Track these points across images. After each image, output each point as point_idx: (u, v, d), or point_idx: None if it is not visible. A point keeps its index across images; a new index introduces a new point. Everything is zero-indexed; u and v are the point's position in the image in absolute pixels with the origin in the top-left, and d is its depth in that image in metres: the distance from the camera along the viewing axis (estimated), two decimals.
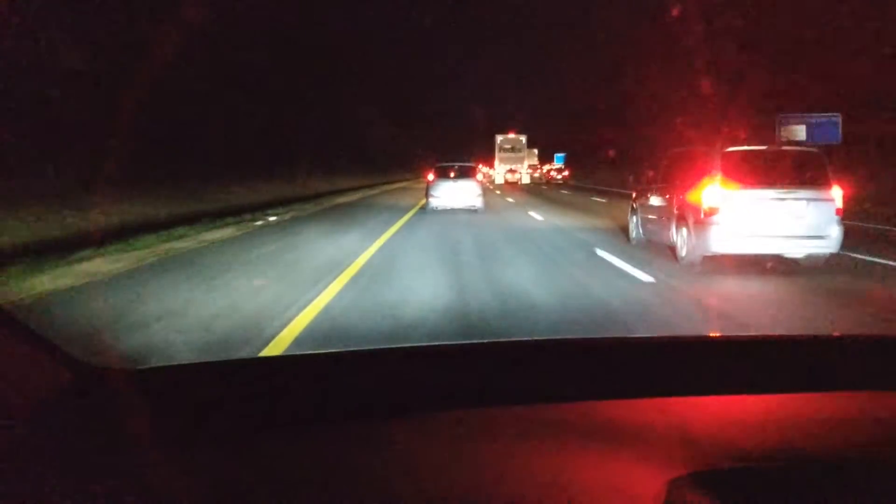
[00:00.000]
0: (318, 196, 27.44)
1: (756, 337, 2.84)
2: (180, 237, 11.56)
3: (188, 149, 23.90)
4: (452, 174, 19.17)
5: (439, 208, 18.37)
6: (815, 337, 2.68)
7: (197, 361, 1.65)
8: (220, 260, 9.26)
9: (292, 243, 11.43)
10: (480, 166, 27.96)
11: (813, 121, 25.93)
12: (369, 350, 1.67)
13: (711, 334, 4.04)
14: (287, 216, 17.72)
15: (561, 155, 72.87)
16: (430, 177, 19.46)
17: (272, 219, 16.56)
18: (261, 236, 12.66)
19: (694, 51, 34.78)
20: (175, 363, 2.04)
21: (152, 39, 19.53)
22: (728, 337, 2.60)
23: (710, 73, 33.00)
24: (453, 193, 18.55)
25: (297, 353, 3.96)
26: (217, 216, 15.33)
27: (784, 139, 24.37)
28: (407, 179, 60.33)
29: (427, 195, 18.84)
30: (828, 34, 27.10)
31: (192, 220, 13.85)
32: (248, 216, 16.48)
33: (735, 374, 1.46)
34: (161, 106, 20.15)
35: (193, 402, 1.29)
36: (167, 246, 10.43)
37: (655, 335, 3.92)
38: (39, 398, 1.13)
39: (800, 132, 25.61)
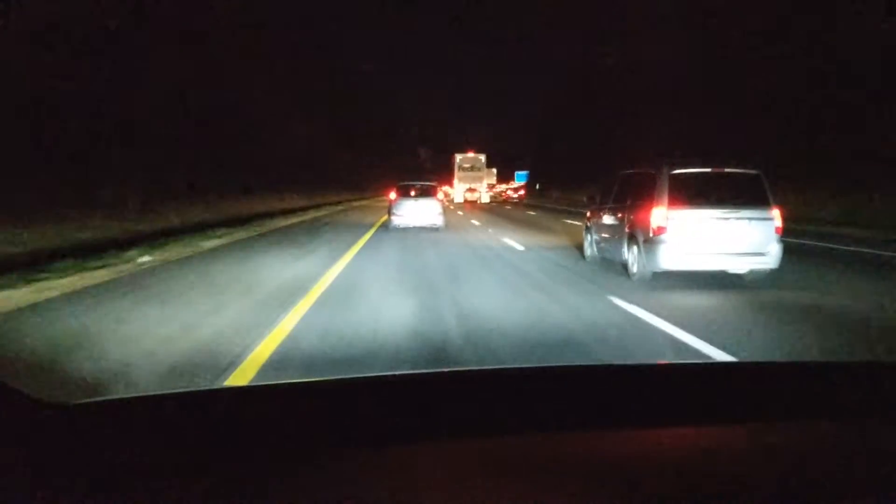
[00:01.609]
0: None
1: (717, 364, 2.88)
2: None
3: None
4: (414, 193, 19.75)
5: (401, 226, 18.89)
6: (772, 364, 2.72)
7: (130, 396, 1.60)
8: None
9: None
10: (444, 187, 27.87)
11: None
12: (331, 380, 1.64)
13: (670, 362, 4.12)
14: None
15: (523, 173, 72.92)
16: (393, 195, 19.99)
17: None
18: None
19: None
20: (111, 397, 1.94)
21: None
22: (690, 365, 2.59)
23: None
24: (415, 212, 19.10)
25: (260, 384, 3.79)
26: None
27: None
28: (366, 198, 60.35)
29: (389, 214, 19.41)
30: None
31: None
32: None
33: (702, 403, 1.47)
34: None
35: (125, 439, 1.25)
36: None
37: (617, 363, 4.05)
38: None
39: None
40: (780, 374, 1.76)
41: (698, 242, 8.55)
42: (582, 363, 4.16)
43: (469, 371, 1.84)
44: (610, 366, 2.72)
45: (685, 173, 8.90)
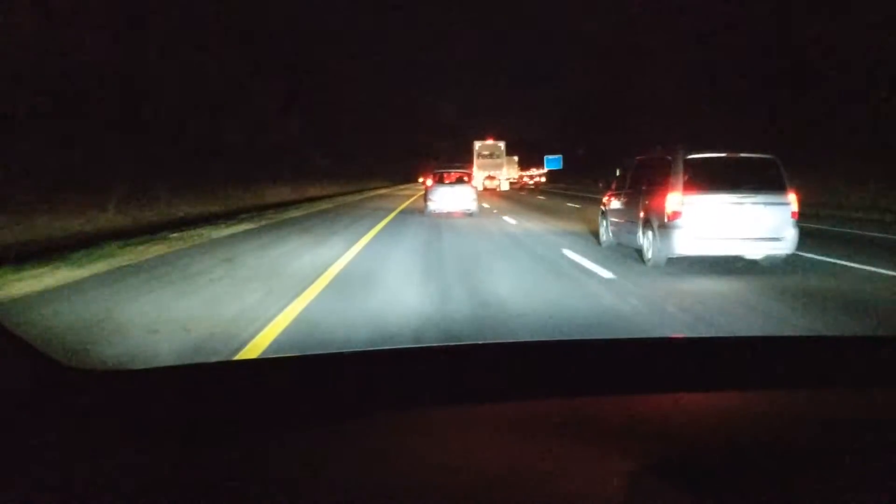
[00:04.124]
0: None
1: (713, 338, 3.00)
2: None
3: None
4: (449, 180, 20.53)
5: (436, 212, 19.54)
6: (772, 337, 2.81)
7: (179, 364, 1.63)
8: None
9: None
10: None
11: None
12: (347, 352, 1.77)
13: (670, 336, 4.22)
14: None
15: (554, 157, 69.96)
16: (429, 182, 20.81)
17: None
18: None
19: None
20: (158, 365, 2.03)
21: None
22: (686, 338, 2.70)
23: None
24: (450, 198, 19.73)
25: (279, 355, 3.98)
26: None
27: None
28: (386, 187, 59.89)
29: (426, 199, 20.09)
30: None
31: None
32: None
33: (695, 372, 1.53)
34: None
35: (175, 404, 1.29)
36: None
37: (620, 337, 4.21)
38: (8, 400, 1.13)
39: None
40: (786, 347, 1.81)
41: (713, 227, 8.52)
42: (600, 337, 4.30)
43: (488, 344, 1.91)
44: (626, 339, 2.83)
45: (700, 158, 8.87)
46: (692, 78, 38.37)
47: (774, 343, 2.00)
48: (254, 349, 4.74)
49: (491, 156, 52.40)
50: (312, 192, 36.99)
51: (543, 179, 62.78)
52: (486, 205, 24.59)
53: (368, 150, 65.08)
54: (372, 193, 43.54)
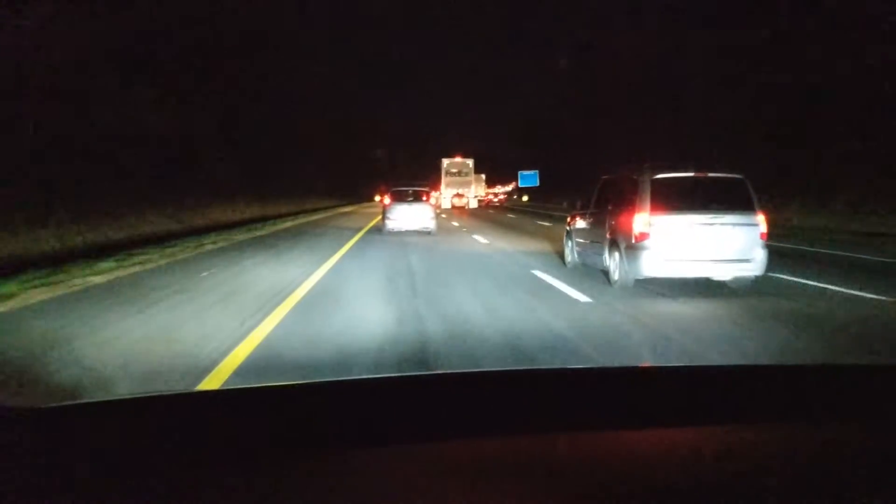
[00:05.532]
0: None
1: (677, 368, 2.81)
2: None
3: None
4: (408, 198, 20.35)
5: (395, 230, 19.37)
6: (736, 367, 2.75)
7: (106, 399, 1.59)
8: None
9: None
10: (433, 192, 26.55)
11: None
12: (306, 383, 1.62)
13: (653, 365, 4.04)
14: None
15: (530, 173, 69.36)
16: (387, 200, 20.55)
17: None
18: None
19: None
20: (87, 400, 1.97)
21: None
22: (649, 368, 2.60)
23: None
24: (408, 216, 19.61)
25: (242, 386, 3.80)
26: None
27: None
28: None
29: (384, 218, 19.97)
30: None
31: None
32: None
33: (653, 406, 1.44)
34: None
35: (101, 443, 1.22)
36: None
37: (575, 366, 3.94)
38: None
39: None
40: (766, 377, 1.75)
41: (681, 249, 8.26)
42: (564, 366, 4.15)
43: (450, 374, 1.87)
44: (592, 368, 2.69)
45: (668, 178, 8.62)
46: (663, 94, 38.88)
47: (737, 373, 1.92)
48: None
49: (459, 174, 52.18)
50: (217, 216, 27.77)
51: (526, 198, 62.56)
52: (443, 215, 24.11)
53: (317, 164, 59.01)
54: (284, 225, 27.11)
